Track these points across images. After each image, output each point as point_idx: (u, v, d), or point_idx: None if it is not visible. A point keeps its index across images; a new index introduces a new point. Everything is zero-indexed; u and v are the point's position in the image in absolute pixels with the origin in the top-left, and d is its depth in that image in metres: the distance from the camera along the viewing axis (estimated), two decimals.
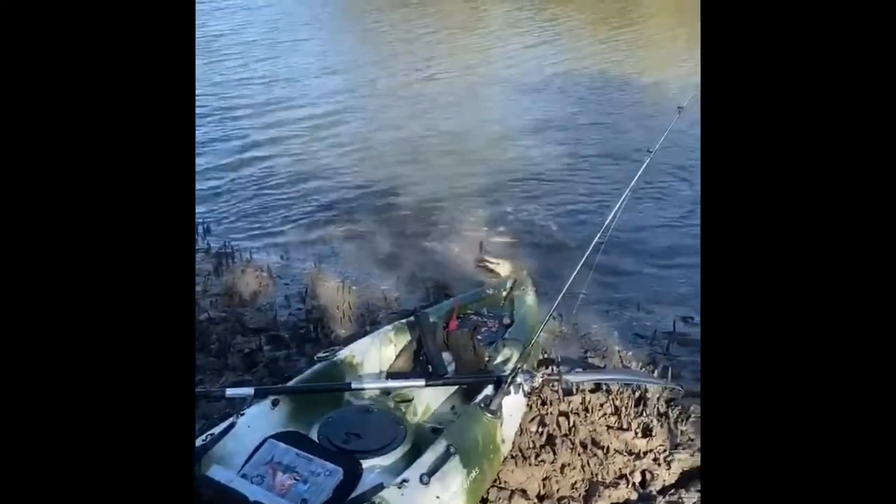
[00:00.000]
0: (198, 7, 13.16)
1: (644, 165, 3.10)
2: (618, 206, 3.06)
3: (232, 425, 2.34)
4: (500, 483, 2.71)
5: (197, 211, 5.67)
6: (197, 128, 7.62)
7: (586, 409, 3.13)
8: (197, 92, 8.42)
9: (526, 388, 2.67)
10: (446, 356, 2.92)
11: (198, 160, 6.77)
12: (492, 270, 4.67)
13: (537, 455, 2.85)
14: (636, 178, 3.07)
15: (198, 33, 11.12)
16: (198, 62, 9.67)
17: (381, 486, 2.10)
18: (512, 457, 2.81)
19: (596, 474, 2.80)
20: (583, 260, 2.94)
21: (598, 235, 3.00)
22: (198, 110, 8.18)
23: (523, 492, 2.71)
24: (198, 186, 6.22)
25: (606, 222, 3.02)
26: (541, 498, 2.71)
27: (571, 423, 3.03)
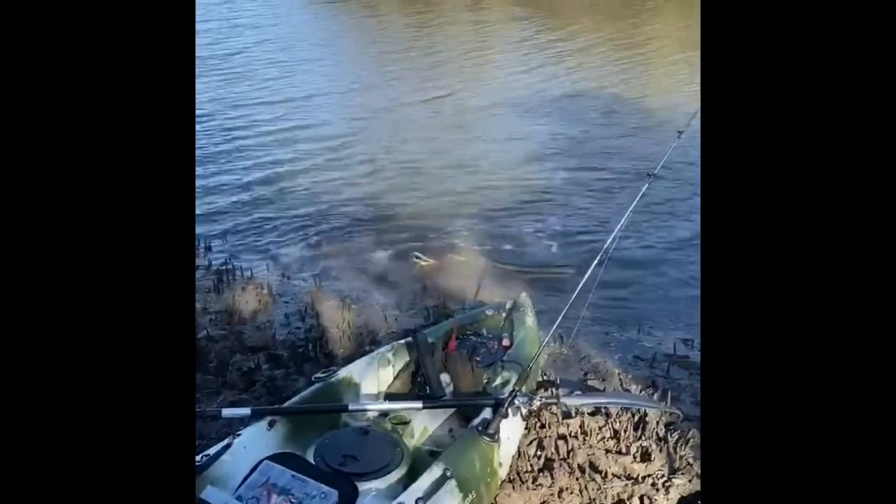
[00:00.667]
0: (203, 24, 13.24)
1: (644, 188, 3.11)
2: (618, 227, 3.07)
3: (228, 446, 2.33)
4: None
5: (199, 229, 5.70)
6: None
7: (585, 433, 3.11)
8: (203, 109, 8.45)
9: (524, 411, 2.66)
10: (444, 378, 2.91)
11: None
12: (423, 267, 5.04)
13: (535, 479, 2.83)
14: (635, 200, 3.08)
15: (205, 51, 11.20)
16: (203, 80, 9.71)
17: None
18: (509, 480, 2.79)
19: (594, 499, 2.77)
20: (583, 281, 2.94)
21: (599, 257, 3.01)
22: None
23: None
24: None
25: (606, 244, 3.02)
26: None
27: (570, 447, 3.01)
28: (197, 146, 7.40)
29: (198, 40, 11.96)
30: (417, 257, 5.14)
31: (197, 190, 6.40)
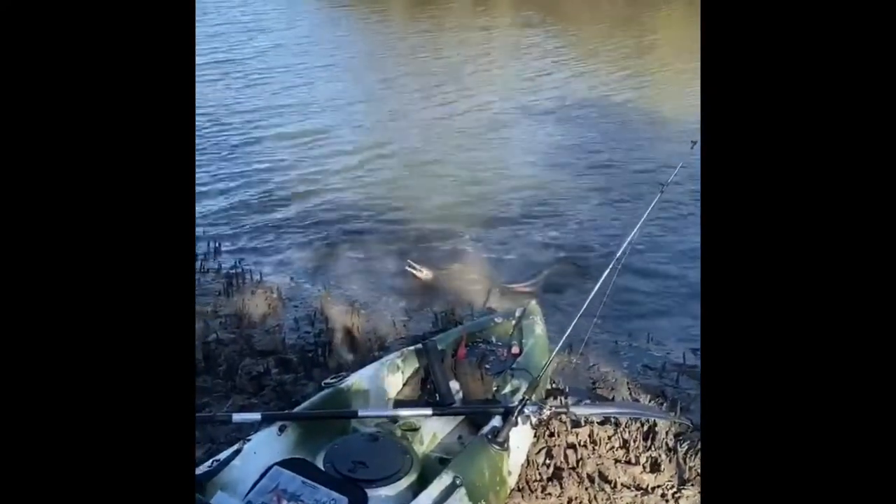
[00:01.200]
0: (212, 28, 13.24)
1: (656, 199, 3.10)
2: (630, 237, 3.06)
3: (238, 451, 2.33)
4: None
5: (210, 231, 5.72)
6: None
7: (594, 442, 3.10)
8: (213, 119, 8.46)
9: (534, 420, 2.65)
10: (454, 385, 2.91)
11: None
12: (416, 277, 4.91)
13: (544, 488, 2.82)
14: (647, 211, 3.08)
15: (213, 57, 11.21)
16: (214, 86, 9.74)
17: None
18: (518, 489, 2.78)
19: None
20: (594, 291, 2.93)
21: (611, 266, 3.00)
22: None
23: None
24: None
25: (619, 253, 3.02)
26: None
27: (579, 456, 3.00)
28: (209, 151, 7.43)
29: (210, 44, 11.90)
30: (411, 266, 4.99)
31: (210, 194, 6.42)
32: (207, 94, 9.26)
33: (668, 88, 10.04)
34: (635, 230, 3.04)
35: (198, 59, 10.63)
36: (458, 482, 2.25)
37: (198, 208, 6.05)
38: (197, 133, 7.99)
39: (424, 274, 4.95)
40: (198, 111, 8.54)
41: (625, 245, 3.01)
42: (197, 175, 6.86)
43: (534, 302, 3.70)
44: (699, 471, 2.95)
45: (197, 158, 7.28)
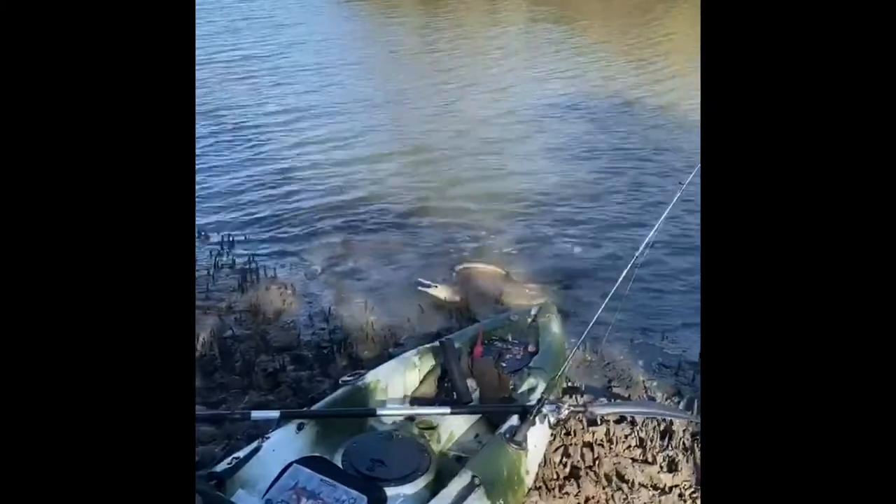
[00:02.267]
0: (221, 22, 13.21)
1: (676, 197, 3.07)
2: (648, 237, 3.03)
3: (257, 449, 2.33)
4: None
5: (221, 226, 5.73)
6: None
7: (611, 441, 3.09)
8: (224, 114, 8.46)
9: (552, 419, 2.65)
10: (471, 383, 2.90)
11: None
12: (432, 295, 4.58)
13: (561, 487, 2.82)
14: (668, 209, 3.05)
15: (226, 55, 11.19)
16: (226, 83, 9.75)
17: None
18: (536, 488, 2.78)
19: None
20: (613, 290, 2.91)
21: (629, 266, 2.97)
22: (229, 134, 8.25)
23: None
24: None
25: (637, 253, 2.99)
26: None
27: (596, 456, 2.99)
28: (225, 156, 7.43)
29: (226, 41, 11.84)
30: (423, 285, 4.65)
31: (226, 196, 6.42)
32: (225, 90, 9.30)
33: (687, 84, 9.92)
34: (654, 229, 3.01)
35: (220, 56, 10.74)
36: (476, 481, 2.25)
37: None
38: (214, 128, 8.03)
39: (441, 291, 4.58)
40: (212, 108, 8.58)
41: (643, 245, 2.99)
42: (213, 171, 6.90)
43: (549, 300, 3.69)
44: None
45: (214, 153, 7.33)
